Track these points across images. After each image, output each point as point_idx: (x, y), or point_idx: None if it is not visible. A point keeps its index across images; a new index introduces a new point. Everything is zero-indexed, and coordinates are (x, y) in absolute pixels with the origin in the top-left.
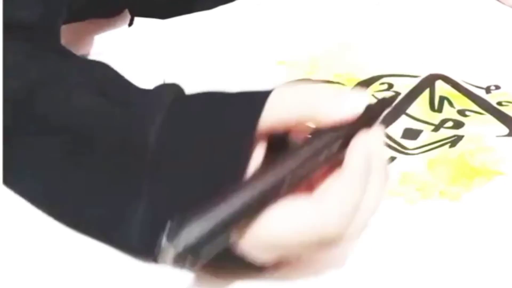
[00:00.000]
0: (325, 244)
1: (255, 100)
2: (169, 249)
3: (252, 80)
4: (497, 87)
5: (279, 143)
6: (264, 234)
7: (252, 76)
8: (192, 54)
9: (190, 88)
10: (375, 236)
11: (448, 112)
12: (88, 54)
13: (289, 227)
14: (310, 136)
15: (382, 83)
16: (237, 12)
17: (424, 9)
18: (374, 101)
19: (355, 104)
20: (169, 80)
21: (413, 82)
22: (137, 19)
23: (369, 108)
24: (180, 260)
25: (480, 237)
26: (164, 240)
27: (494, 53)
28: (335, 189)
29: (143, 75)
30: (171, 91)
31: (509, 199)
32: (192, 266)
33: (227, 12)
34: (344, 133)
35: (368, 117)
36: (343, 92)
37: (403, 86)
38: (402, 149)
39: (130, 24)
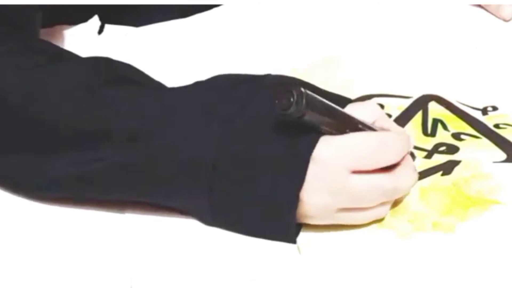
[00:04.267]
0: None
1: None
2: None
3: None
4: (495, 108)
5: None
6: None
7: None
8: (171, 68)
9: None
10: (366, 274)
11: (442, 135)
12: None
13: (374, 188)
14: None
15: None
16: (218, 24)
17: (417, 25)
18: None
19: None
20: None
21: (405, 103)
22: None
23: None
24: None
25: (477, 272)
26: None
27: (491, 72)
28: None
29: None
30: None
31: (507, 231)
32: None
33: (207, 25)
34: None
35: None
36: (387, 139)
37: (395, 108)
38: None
39: (100, 31)
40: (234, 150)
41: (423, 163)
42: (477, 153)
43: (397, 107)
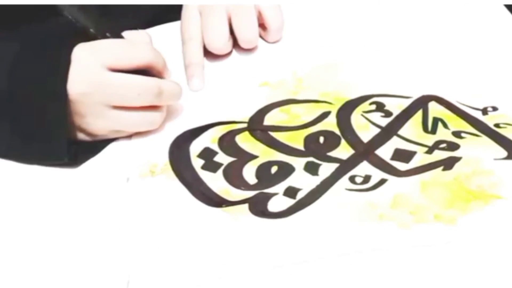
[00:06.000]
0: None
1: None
2: None
3: (234, 104)
4: (495, 109)
5: None
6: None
7: (235, 100)
8: (172, 70)
9: None
10: (367, 264)
11: (443, 133)
12: None
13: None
14: None
15: (372, 103)
16: None
17: (416, 26)
18: None
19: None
20: None
21: (405, 103)
22: None
23: None
24: None
25: (478, 264)
26: None
27: (491, 73)
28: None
29: None
30: None
31: (508, 224)
32: None
33: None
34: None
35: None
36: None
37: (395, 107)
38: (393, 171)
39: None
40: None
41: (423, 158)
42: (477, 150)
43: (397, 106)
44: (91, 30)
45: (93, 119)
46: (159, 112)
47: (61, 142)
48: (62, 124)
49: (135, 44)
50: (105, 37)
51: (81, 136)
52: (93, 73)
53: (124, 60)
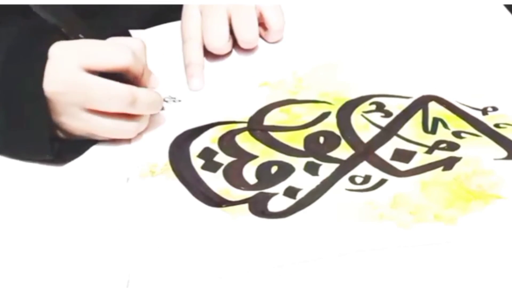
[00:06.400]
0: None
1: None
2: None
3: (234, 104)
4: (495, 109)
5: None
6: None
7: (235, 100)
8: (172, 70)
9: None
10: (367, 263)
11: (442, 133)
12: None
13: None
14: None
15: (372, 103)
16: None
17: (416, 26)
18: None
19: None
20: None
21: (405, 103)
22: None
23: None
24: None
25: (478, 263)
26: None
27: (491, 73)
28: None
29: None
30: None
31: (508, 224)
32: None
33: None
34: None
35: None
36: (116, 45)
37: (395, 107)
38: (393, 171)
39: None
40: None
41: (423, 158)
42: (477, 150)
43: (397, 106)
44: (63, 29)
45: (68, 119)
46: (135, 122)
47: (42, 139)
48: (42, 121)
49: (115, 46)
50: (77, 38)
51: (60, 134)
52: (68, 72)
53: (101, 62)
